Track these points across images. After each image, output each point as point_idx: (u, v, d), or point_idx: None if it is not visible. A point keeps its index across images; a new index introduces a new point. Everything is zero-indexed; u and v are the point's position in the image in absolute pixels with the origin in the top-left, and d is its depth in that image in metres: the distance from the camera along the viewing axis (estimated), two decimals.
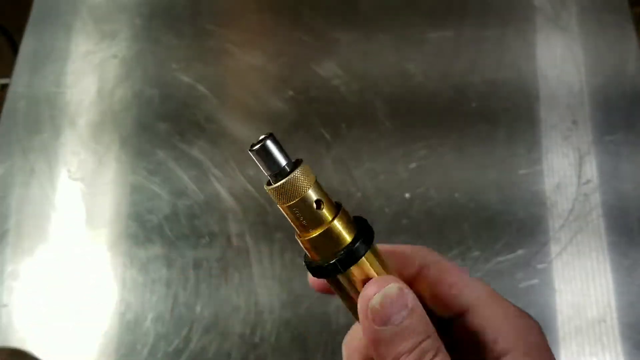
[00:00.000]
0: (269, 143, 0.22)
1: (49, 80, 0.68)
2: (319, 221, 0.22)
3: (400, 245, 0.27)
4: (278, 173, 0.22)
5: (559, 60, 0.67)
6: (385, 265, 0.24)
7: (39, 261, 0.58)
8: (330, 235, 0.22)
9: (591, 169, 0.60)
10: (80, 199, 0.61)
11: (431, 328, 0.22)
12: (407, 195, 0.59)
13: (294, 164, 0.22)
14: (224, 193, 0.60)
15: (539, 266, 0.55)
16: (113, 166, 0.62)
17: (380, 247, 0.25)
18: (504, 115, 0.64)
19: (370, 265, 0.23)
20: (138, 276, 0.57)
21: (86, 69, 0.69)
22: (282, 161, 0.22)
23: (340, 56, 0.68)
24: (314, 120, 0.64)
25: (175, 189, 0.61)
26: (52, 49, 0.70)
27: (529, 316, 0.26)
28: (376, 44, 0.69)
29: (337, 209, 0.23)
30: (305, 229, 0.23)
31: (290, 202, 0.22)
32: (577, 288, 0.54)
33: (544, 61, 0.67)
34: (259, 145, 0.22)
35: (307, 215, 0.22)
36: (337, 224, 0.22)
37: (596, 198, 0.59)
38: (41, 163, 0.63)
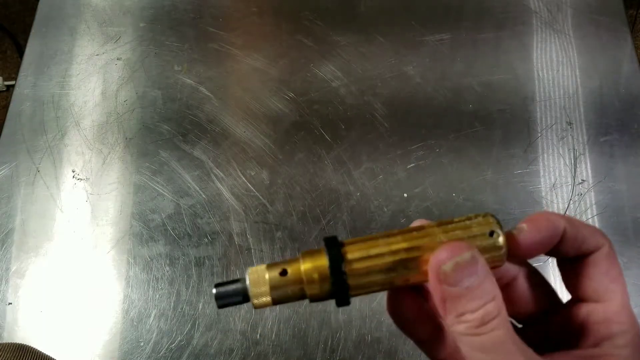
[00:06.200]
0: (217, 290, 0.25)
1: (53, 82, 0.69)
2: (296, 281, 0.25)
3: (583, 226, 0.26)
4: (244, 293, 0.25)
5: (555, 62, 0.68)
6: (370, 242, 0.25)
7: (44, 260, 0.59)
8: (319, 269, 0.24)
9: (586, 169, 0.61)
10: (84, 199, 0.62)
11: (496, 291, 0.23)
12: (405, 194, 0.60)
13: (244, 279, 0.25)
14: (225, 193, 0.61)
15: (534, 265, 0.56)
16: (117, 166, 0.63)
17: (570, 220, 0.25)
18: (500, 117, 0.65)
19: (359, 250, 0.25)
20: (142, 274, 0.57)
21: (90, 71, 0.70)
22: (239, 286, 0.25)
23: (339, 59, 0.69)
24: (314, 121, 0.65)
25: (178, 189, 0.62)
26: (57, 51, 0.71)
27: None
28: (375, 46, 0.70)
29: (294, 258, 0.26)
30: (301, 292, 0.25)
31: (269, 299, 0.25)
32: None
33: (540, 63, 0.68)
34: (216, 295, 0.25)
35: (288, 291, 0.25)
36: (306, 262, 0.25)
37: (591, 198, 0.60)
38: (46, 163, 0.64)
